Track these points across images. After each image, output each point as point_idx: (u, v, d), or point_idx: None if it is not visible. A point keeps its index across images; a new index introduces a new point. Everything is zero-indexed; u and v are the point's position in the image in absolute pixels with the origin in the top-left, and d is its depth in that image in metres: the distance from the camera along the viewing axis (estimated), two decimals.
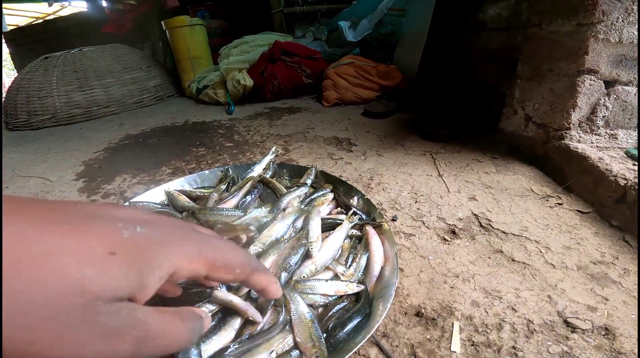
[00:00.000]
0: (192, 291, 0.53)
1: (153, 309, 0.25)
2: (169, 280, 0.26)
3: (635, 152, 0.86)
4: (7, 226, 0.19)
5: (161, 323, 0.25)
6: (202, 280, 0.35)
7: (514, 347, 0.50)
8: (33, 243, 0.20)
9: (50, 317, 0.19)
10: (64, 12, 5.31)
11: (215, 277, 0.30)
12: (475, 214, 0.81)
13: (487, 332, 0.53)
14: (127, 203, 0.84)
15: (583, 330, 0.52)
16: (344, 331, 0.50)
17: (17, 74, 3.16)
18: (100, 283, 0.21)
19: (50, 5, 4.96)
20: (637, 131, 0.93)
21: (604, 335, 0.51)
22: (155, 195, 0.89)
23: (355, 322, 0.51)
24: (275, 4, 2.63)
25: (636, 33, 0.83)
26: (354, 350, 0.47)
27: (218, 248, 0.31)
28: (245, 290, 0.56)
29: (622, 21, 0.83)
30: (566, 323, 0.53)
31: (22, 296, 0.18)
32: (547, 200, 0.85)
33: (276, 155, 1.09)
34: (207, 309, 0.53)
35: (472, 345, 0.51)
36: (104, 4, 3.54)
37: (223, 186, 0.88)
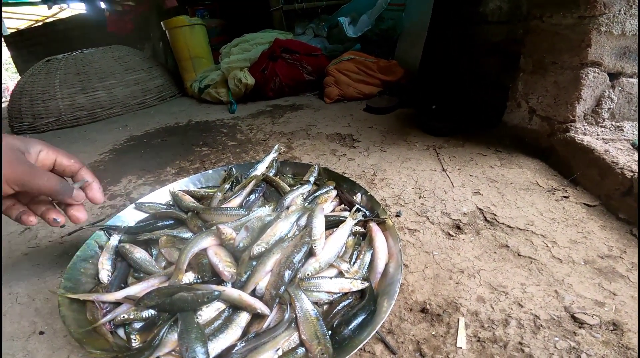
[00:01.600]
0: (200, 293, 0.54)
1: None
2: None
3: None
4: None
5: (43, 171, 0.53)
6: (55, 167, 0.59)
7: (520, 343, 0.50)
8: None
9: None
10: (63, 15, 5.32)
11: (60, 161, 0.58)
12: (480, 209, 0.81)
13: (493, 328, 0.52)
14: (133, 204, 0.85)
15: (590, 325, 0.51)
16: (349, 328, 0.50)
17: (19, 77, 3.17)
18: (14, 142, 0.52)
19: (49, 8, 4.97)
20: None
21: (611, 331, 0.51)
22: (161, 196, 0.90)
23: (360, 318, 0.52)
24: (274, 1, 2.61)
25: None
26: (359, 347, 0.47)
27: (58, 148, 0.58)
28: (251, 288, 0.57)
29: (625, 13, 0.82)
30: (573, 318, 0.53)
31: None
32: (553, 193, 0.84)
33: (279, 153, 1.09)
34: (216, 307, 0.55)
35: (478, 340, 0.51)
36: (103, 5, 3.55)
37: (227, 186, 0.88)
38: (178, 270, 0.60)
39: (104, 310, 0.57)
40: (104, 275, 0.65)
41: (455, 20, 1.64)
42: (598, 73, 0.88)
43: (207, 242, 0.65)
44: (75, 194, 0.56)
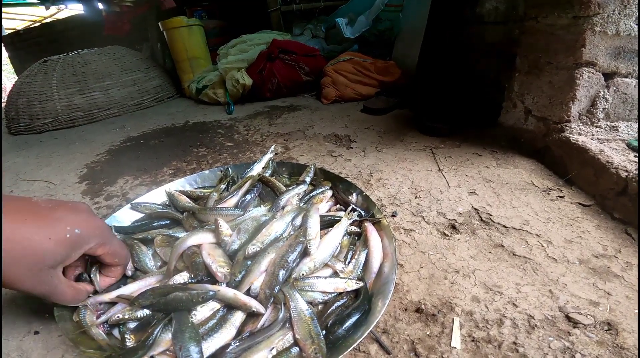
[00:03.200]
0: (195, 292, 0.54)
1: (64, 278, 0.51)
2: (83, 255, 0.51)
3: (637, 144, 0.85)
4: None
5: (64, 286, 0.50)
6: (98, 258, 0.55)
7: (514, 343, 0.50)
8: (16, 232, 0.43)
9: (24, 270, 0.44)
10: (61, 15, 5.31)
11: (106, 259, 0.55)
12: (475, 209, 0.81)
13: (488, 328, 0.52)
14: (129, 205, 0.85)
15: (585, 325, 0.51)
16: (343, 327, 0.50)
17: (16, 77, 3.17)
18: (50, 258, 0.46)
19: (47, 8, 4.96)
20: (637, 123, 0.93)
21: (606, 330, 0.51)
22: (157, 196, 0.90)
23: (354, 318, 0.52)
24: (272, 2, 2.61)
25: (633, 25, 0.83)
26: (353, 346, 0.47)
27: (113, 243, 0.55)
28: (246, 287, 0.57)
29: (619, 14, 0.82)
30: (568, 318, 0.53)
31: (11, 261, 0.42)
32: (548, 193, 0.85)
33: (275, 154, 1.09)
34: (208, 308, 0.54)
35: (473, 340, 0.51)
36: (100, 6, 3.54)
37: (223, 186, 0.88)
38: (169, 263, 0.62)
39: (99, 312, 0.57)
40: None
41: (452, 21, 1.65)
42: (593, 73, 0.88)
43: (200, 238, 0.65)
44: (90, 303, 0.56)
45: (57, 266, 0.48)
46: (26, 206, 0.46)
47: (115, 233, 0.69)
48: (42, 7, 4.94)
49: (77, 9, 4.78)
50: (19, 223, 0.43)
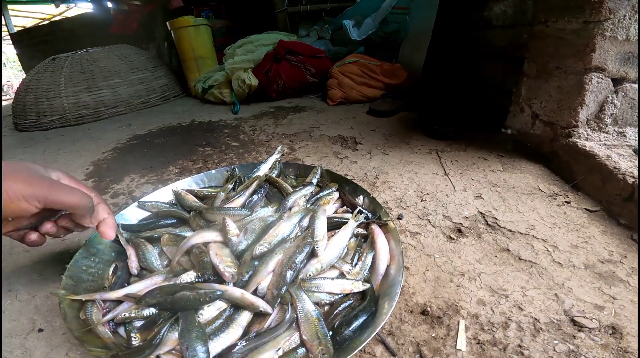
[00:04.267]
0: (202, 292, 0.54)
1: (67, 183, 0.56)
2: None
3: (637, 146, 0.85)
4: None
5: (63, 184, 0.54)
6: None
7: (520, 346, 0.50)
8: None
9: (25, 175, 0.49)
10: (70, 13, 5.36)
11: (70, 212, 0.56)
12: (481, 213, 0.81)
13: (493, 331, 0.53)
14: (136, 203, 0.85)
15: (590, 328, 0.51)
16: (350, 329, 0.51)
17: (25, 75, 3.19)
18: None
19: (57, 6, 5.01)
20: (637, 126, 0.92)
21: (610, 334, 0.51)
22: (164, 195, 0.90)
23: (361, 320, 0.52)
24: (279, 3, 2.63)
25: None
26: (360, 348, 0.48)
27: (56, 195, 0.52)
28: (253, 287, 0.57)
29: (629, 19, 0.82)
30: (573, 322, 0.53)
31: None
32: (555, 198, 0.84)
33: (282, 154, 1.09)
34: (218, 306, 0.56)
35: (478, 343, 0.51)
36: (110, 4, 3.57)
37: (230, 186, 0.89)
38: (173, 258, 0.64)
39: (105, 310, 0.57)
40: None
41: (459, 24, 1.65)
42: (602, 78, 0.88)
43: (207, 237, 0.66)
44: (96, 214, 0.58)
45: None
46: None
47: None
48: (52, 5, 4.98)
49: (86, 8, 4.81)
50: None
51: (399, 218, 0.82)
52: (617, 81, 0.89)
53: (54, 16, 5.64)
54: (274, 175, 0.93)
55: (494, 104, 1.31)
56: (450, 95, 1.66)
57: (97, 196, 0.60)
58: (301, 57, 2.06)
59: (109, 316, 0.55)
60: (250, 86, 2.02)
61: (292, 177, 0.98)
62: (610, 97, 0.89)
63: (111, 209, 0.62)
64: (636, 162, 0.80)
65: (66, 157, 1.50)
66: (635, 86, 0.89)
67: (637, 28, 0.82)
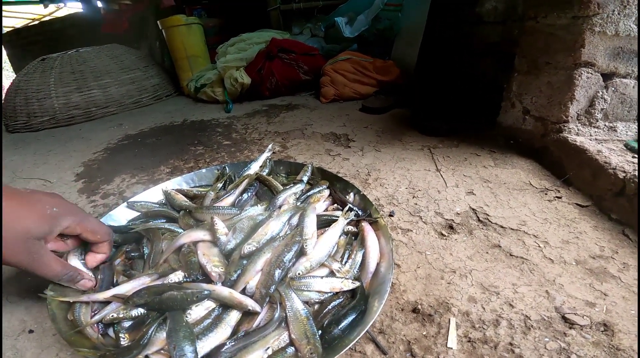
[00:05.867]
0: (189, 292, 0.53)
1: (51, 252, 0.55)
2: (63, 233, 0.57)
3: (635, 144, 0.85)
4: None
5: (50, 258, 0.54)
6: (81, 236, 0.60)
7: (510, 343, 0.50)
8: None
9: (13, 240, 0.49)
10: (60, 13, 5.29)
11: (88, 237, 0.59)
12: (473, 209, 0.81)
13: (484, 328, 0.52)
14: (125, 203, 0.84)
15: (581, 326, 0.51)
16: (339, 328, 0.50)
17: (14, 75, 3.15)
18: (34, 229, 0.51)
19: (45, 6, 4.94)
20: (636, 123, 0.93)
21: (602, 331, 0.51)
22: (154, 194, 0.89)
23: (350, 318, 0.51)
24: (271, 1, 2.61)
25: (633, 26, 0.83)
26: (349, 347, 0.47)
27: (90, 221, 0.59)
28: (241, 287, 0.56)
29: (618, 14, 0.82)
30: (564, 319, 0.53)
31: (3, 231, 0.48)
32: (546, 194, 0.84)
33: (273, 152, 1.08)
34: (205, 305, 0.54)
35: (469, 341, 0.51)
36: (99, 4, 3.53)
37: (220, 185, 0.88)
38: (161, 257, 0.64)
39: (93, 312, 0.57)
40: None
41: (451, 21, 1.65)
42: (591, 73, 0.88)
43: (195, 236, 0.65)
44: (81, 283, 0.59)
45: (41, 239, 0.53)
46: (7, 190, 0.52)
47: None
48: (41, 6, 4.92)
49: (75, 7, 4.75)
50: (6, 200, 0.50)
51: (391, 215, 0.81)
52: (607, 76, 0.89)
53: (44, 16, 5.56)
54: (264, 173, 0.92)
55: (486, 100, 1.31)
56: (443, 91, 1.66)
57: (105, 234, 0.63)
58: (294, 55, 2.04)
59: (97, 317, 0.55)
60: (243, 84, 2.00)
61: (283, 175, 0.97)
62: (601, 92, 0.89)
63: (110, 248, 0.66)
64: (627, 156, 0.80)
65: (57, 158, 1.48)
66: (626, 80, 0.89)
67: (625, 23, 0.82)
